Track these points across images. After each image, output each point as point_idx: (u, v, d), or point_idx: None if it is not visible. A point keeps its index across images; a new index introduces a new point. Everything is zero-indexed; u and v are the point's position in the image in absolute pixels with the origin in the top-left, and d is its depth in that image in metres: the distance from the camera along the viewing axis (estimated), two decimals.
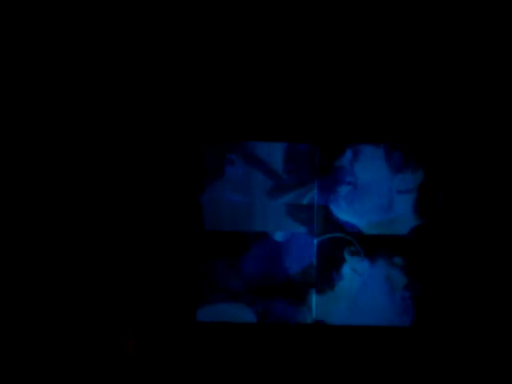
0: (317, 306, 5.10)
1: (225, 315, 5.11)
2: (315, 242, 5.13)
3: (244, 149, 5.17)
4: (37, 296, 4.92)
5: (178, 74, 5.11)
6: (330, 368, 5.03)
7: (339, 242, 5.13)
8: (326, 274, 5.13)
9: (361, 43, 5.10)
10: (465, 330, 5.01)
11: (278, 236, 5.16)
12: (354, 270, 5.12)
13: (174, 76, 5.11)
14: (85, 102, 5.03)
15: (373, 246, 5.11)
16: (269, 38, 5.10)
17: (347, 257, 5.11)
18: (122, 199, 5.04)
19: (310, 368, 5.03)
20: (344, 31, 5.10)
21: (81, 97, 5.03)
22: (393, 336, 5.06)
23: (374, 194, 5.14)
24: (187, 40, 5.10)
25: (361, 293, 5.12)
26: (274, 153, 5.17)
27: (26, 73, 5.00)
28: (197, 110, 5.13)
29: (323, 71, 5.13)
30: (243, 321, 5.10)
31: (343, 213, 5.15)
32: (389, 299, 5.10)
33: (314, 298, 5.11)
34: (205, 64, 5.12)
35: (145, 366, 4.93)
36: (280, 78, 5.13)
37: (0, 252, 4.92)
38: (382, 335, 5.07)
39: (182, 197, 5.10)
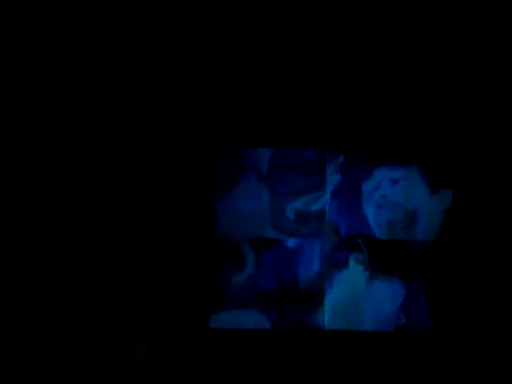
0: (330, 312, 5.08)
1: (238, 322, 5.09)
2: (327, 247, 5.12)
3: (255, 155, 5.19)
4: (45, 301, 4.92)
5: (192, 83, 5.16)
6: (343, 374, 4.99)
7: (350, 248, 5.12)
8: (337, 279, 5.11)
9: (387, 56, 5.13)
10: (482, 335, 4.97)
11: (290, 243, 5.16)
12: (364, 276, 5.10)
13: (187, 83, 5.16)
14: (95, 106, 5.07)
15: (386, 252, 5.09)
16: (284, 45, 5.14)
17: (352, 263, 5.10)
18: (135, 206, 5.06)
19: (325, 374, 4.99)
20: (366, 41, 5.13)
21: (92, 100, 5.07)
22: (408, 342, 5.02)
23: (389, 205, 5.13)
24: (200, 44, 5.15)
25: (374, 299, 5.09)
26: (286, 159, 5.19)
27: (34, 73, 5.04)
28: (209, 117, 5.16)
29: (344, 79, 5.15)
30: (257, 327, 5.08)
31: (356, 220, 5.15)
32: (402, 305, 5.07)
33: (326, 304, 5.08)
34: (215, 72, 5.17)
35: (157, 374, 4.91)
36: (295, 85, 5.15)
37: (12, 253, 4.94)
38: (397, 341, 5.03)
39: (195, 203, 5.12)
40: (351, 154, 5.16)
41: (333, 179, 5.15)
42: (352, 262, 5.11)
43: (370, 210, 5.12)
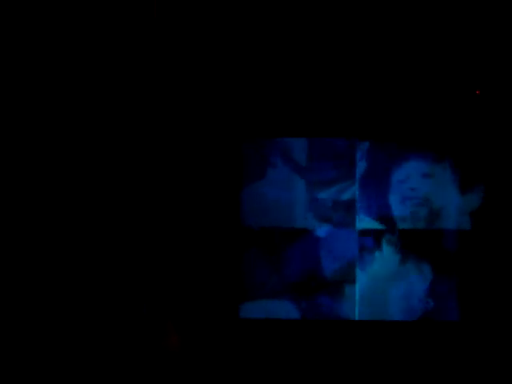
0: (360, 301, 5.07)
1: (267, 311, 5.08)
2: (356, 236, 5.11)
3: (283, 145, 5.17)
4: (81, 292, 4.93)
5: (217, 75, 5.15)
6: (374, 363, 4.98)
7: (380, 236, 5.10)
8: (367, 268, 5.09)
9: (416, 49, 5.10)
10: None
11: (319, 232, 5.14)
12: (393, 264, 5.08)
13: (212, 75, 5.14)
14: (120, 97, 5.06)
15: (416, 241, 5.07)
16: (307, 33, 5.12)
17: (385, 247, 5.08)
18: (165, 198, 5.05)
19: (355, 363, 4.98)
20: (400, 30, 5.10)
21: (117, 92, 5.06)
22: (440, 330, 5.01)
23: (417, 199, 5.11)
24: (223, 35, 5.13)
25: (404, 288, 5.08)
26: (315, 148, 5.17)
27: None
28: (236, 107, 5.15)
29: (376, 67, 5.13)
30: (286, 317, 5.08)
31: (385, 208, 5.13)
32: (433, 294, 5.05)
33: (356, 293, 5.07)
34: (241, 62, 5.15)
35: (189, 363, 4.90)
36: (326, 74, 5.13)
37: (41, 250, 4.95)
38: (427, 330, 5.01)
39: (223, 194, 5.11)
40: (381, 144, 5.14)
41: (362, 169, 5.13)
42: (384, 244, 5.08)
43: (395, 201, 5.10)
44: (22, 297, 4.90)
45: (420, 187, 5.10)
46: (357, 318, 5.06)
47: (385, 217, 5.12)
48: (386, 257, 5.10)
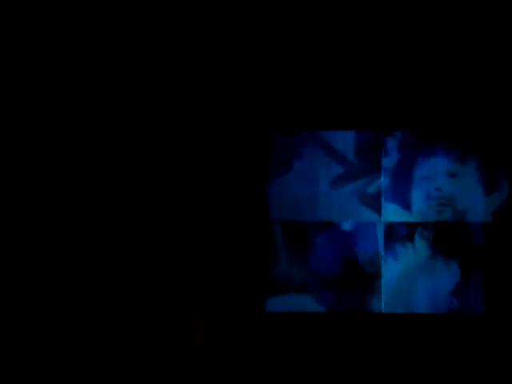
0: (385, 295, 5.05)
1: (293, 305, 5.08)
2: (382, 230, 5.09)
3: (309, 138, 5.16)
4: (105, 287, 4.95)
5: (244, 68, 5.14)
6: (400, 357, 4.97)
7: (407, 230, 5.08)
8: (393, 262, 5.08)
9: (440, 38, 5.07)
10: None
11: (345, 225, 5.13)
12: (421, 258, 5.06)
13: (239, 67, 5.14)
14: (144, 89, 5.07)
15: (442, 234, 5.04)
16: (334, 26, 5.10)
17: (416, 242, 5.06)
18: (189, 192, 5.06)
19: (381, 357, 4.97)
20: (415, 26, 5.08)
21: (138, 85, 5.07)
22: (465, 324, 4.98)
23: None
24: (253, 28, 5.12)
25: (430, 281, 5.05)
26: (340, 142, 5.15)
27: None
28: (263, 99, 5.14)
29: (400, 58, 5.11)
30: (312, 310, 5.07)
31: (409, 202, 5.11)
32: (459, 287, 5.03)
33: (382, 287, 5.06)
34: (269, 55, 5.14)
35: (215, 357, 4.92)
36: (352, 67, 5.12)
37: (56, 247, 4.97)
38: (453, 323, 4.99)
39: (249, 188, 5.10)
40: (408, 138, 5.11)
41: (388, 162, 5.11)
42: (417, 238, 5.06)
43: (417, 197, 5.08)
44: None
45: (446, 187, 5.07)
46: (383, 311, 5.05)
47: (411, 211, 5.10)
48: (410, 251, 5.08)
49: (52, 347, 4.85)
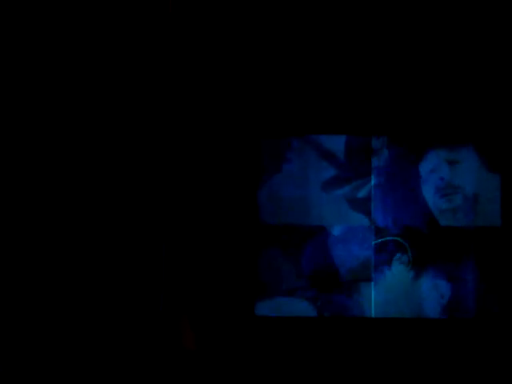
0: (375, 300, 5.05)
1: (283, 309, 5.06)
2: (372, 235, 5.09)
3: (299, 142, 5.15)
4: (96, 290, 4.91)
5: (234, 68, 5.14)
6: (390, 361, 4.96)
7: (397, 235, 5.09)
8: (382, 267, 5.08)
9: (436, 40, 5.09)
10: None
11: (335, 230, 5.12)
12: (409, 265, 5.06)
13: (229, 69, 5.13)
14: (141, 92, 5.05)
15: (437, 236, 5.05)
16: (327, 30, 5.11)
17: (408, 247, 5.07)
18: (179, 195, 5.04)
19: (371, 361, 4.96)
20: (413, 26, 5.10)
21: (132, 89, 5.05)
22: (454, 328, 4.99)
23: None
24: (244, 31, 5.12)
25: (419, 286, 5.06)
26: (330, 146, 5.15)
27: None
28: (253, 103, 5.13)
29: (389, 59, 5.12)
30: (302, 314, 5.05)
31: (399, 207, 5.12)
32: (451, 291, 5.04)
33: (372, 292, 5.05)
34: (259, 57, 5.14)
35: (205, 360, 4.88)
36: (340, 70, 5.12)
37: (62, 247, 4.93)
38: (443, 327, 5.00)
39: (239, 191, 5.09)
40: (399, 139, 5.13)
41: (379, 165, 5.12)
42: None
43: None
44: (31, 296, 4.89)
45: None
46: (373, 316, 5.04)
47: (402, 213, 5.11)
48: (401, 255, 5.09)
49: (45, 348, 4.80)
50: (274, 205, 5.11)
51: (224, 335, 4.98)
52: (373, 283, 5.06)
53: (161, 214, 4.99)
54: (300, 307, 5.06)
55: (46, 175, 4.96)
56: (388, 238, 5.08)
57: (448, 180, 5.09)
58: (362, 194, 5.12)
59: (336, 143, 5.16)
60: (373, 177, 5.12)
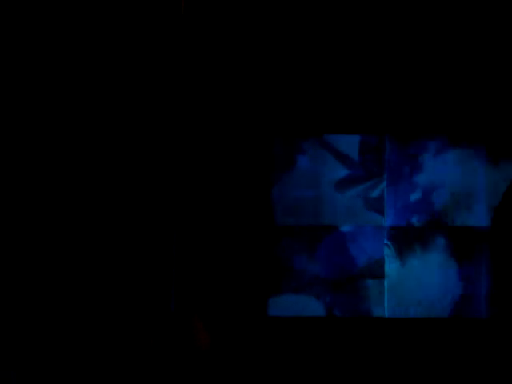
0: (387, 299, 5.04)
1: (296, 309, 5.05)
2: (385, 234, 5.08)
3: (313, 142, 5.15)
4: (107, 291, 4.91)
5: (247, 67, 5.13)
6: (401, 360, 4.95)
7: (409, 234, 5.08)
8: (395, 266, 5.07)
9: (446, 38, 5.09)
10: None
11: (348, 229, 5.11)
12: (423, 263, 5.06)
13: (243, 69, 5.13)
14: (151, 90, 5.05)
15: (448, 236, 5.05)
16: (344, 31, 5.11)
17: (421, 246, 5.06)
18: (192, 194, 5.03)
19: (382, 361, 4.95)
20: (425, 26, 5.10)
21: (142, 87, 5.05)
22: (467, 328, 4.98)
23: (447, 186, 5.10)
24: (255, 30, 5.12)
25: (432, 285, 5.05)
26: (343, 145, 5.15)
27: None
28: (267, 102, 5.12)
29: (402, 59, 5.12)
30: (315, 313, 5.05)
31: (413, 205, 5.11)
32: (463, 291, 5.03)
33: (385, 291, 5.04)
34: (273, 56, 5.13)
35: (217, 360, 4.88)
36: (353, 69, 5.12)
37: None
38: (455, 327, 4.99)
39: (253, 191, 5.08)
40: (408, 138, 5.13)
41: (391, 165, 5.11)
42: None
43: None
44: (41, 296, 4.89)
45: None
46: (386, 315, 5.03)
47: (415, 213, 5.10)
48: (415, 255, 5.08)
49: (53, 349, 4.80)
50: (288, 204, 5.11)
51: (236, 335, 4.97)
52: (385, 281, 5.05)
53: (172, 214, 4.98)
54: (312, 306, 5.05)
55: (59, 175, 4.96)
56: (400, 237, 5.07)
57: (461, 180, 5.08)
58: (375, 193, 5.12)
59: (350, 143, 5.15)
60: (385, 176, 5.11)
